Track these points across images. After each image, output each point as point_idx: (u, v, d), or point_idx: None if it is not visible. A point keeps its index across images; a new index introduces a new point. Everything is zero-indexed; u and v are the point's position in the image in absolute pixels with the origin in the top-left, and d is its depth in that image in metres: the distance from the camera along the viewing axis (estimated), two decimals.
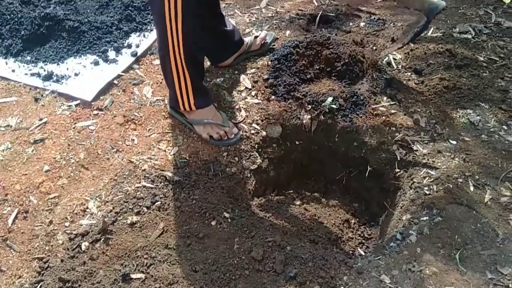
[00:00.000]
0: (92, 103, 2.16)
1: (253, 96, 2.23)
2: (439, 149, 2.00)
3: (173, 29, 1.75)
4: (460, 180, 1.87)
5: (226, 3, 2.76)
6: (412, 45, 2.53)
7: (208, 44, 2.12)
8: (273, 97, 2.22)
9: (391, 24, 2.69)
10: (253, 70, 2.33)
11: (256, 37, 2.38)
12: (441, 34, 2.61)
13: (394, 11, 2.83)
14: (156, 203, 1.81)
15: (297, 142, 2.18)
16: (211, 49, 2.20)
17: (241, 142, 2.06)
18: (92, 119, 2.10)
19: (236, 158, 2.03)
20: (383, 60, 2.37)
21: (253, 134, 2.10)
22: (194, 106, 1.98)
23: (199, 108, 1.99)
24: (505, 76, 2.37)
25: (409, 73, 2.36)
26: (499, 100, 2.22)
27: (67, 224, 1.75)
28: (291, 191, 2.19)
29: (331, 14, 2.73)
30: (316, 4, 2.82)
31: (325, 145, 2.19)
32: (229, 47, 2.29)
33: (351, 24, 2.70)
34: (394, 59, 2.43)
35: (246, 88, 2.26)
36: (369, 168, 2.10)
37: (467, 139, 2.04)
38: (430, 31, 2.63)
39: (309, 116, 2.15)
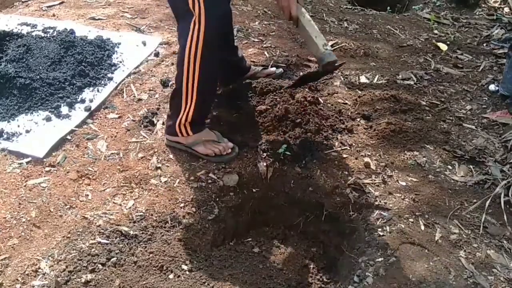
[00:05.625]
0: (44, 159, 2.12)
1: None
2: (390, 190, 2.08)
3: (190, 63, 1.94)
4: (411, 220, 1.94)
5: None
6: (359, 92, 2.66)
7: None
8: None
9: (339, 73, 2.82)
10: (207, 121, 2.37)
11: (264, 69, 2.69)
12: (385, 81, 2.77)
13: (342, 60, 2.97)
14: (112, 259, 1.77)
15: (254, 190, 2.21)
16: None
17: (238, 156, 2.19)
18: (44, 176, 2.06)
19: (194, 209, 2.03)
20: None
21: (210, 183, 2.12)
22: (190, 132, 2.13)
23: (195, 133, 2.15)
24: (447, 118, 2.51)
25: (358, 119, 2.47)
26: (442, 141, 2.34)
27: (18, 286, 1.67)
28: (250, 239, 2.18)
29: (282, 65, 2.84)
30: (267, 55, 2.93)
31: (282, 191, 2.22)
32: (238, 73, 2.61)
33: (301, 73, 2.81)
34: (345, 103, 2.54)
35: None
36: (325, 212, 2.14)
37: (415, 179, 2.13)
38: (375, 79, 2.78)
39: (264, 164, 2.19)
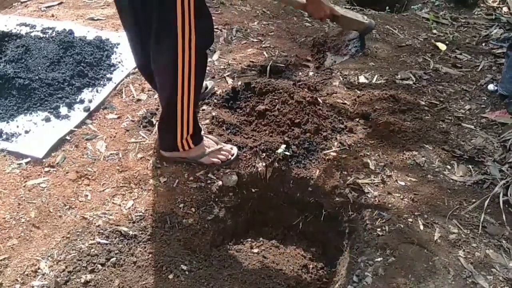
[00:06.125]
0: (43, 160, 2.12)
1: None
2: (389, 190, 2.08)
3: (185, 72, 1.80)
4: (410, 219, 1.94)
5: None
6: (358, 92, 2.66)
7: None
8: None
9: (338, 73, 2.82)
10: (207, 121, 2.37)
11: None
12: (384, 81, 2.77)
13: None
14: (111, 260, 1.77)
15: (253, 190, 2.21)
16: None
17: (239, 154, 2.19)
18: (44, 177, 2.06)
19: (193, 209, 2.03)
20: (326, 67, 2.50)
21: (209, 184, 2.12)
22: (192, 145, 2.08)
23: (196, 144, 2.09)
24: (446, 118, 2.52)
25: (357, 119, 2.47)
26: (441, 141, 2.34)
27: (17, 286, 1.68)
28: (249, 239, 2.19)
29: (281, 65, 2.84)
30: (266, 55, 2.93)
31: (281, 191, 2.22)
32: None
33: (300, 73, 2.81)
34: (344, 103, 2.55)
35: None
36: (324, 212, 2.14)
37: (414, 179, 2.13)
38: (375, 79, 2.78)
39: (263, 164, 2.19)
